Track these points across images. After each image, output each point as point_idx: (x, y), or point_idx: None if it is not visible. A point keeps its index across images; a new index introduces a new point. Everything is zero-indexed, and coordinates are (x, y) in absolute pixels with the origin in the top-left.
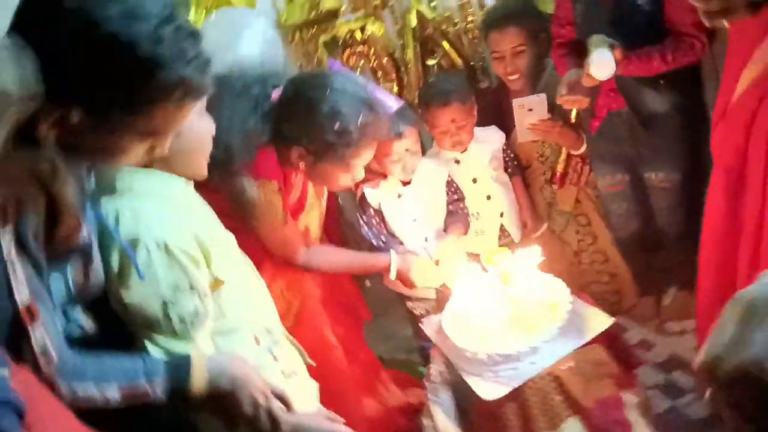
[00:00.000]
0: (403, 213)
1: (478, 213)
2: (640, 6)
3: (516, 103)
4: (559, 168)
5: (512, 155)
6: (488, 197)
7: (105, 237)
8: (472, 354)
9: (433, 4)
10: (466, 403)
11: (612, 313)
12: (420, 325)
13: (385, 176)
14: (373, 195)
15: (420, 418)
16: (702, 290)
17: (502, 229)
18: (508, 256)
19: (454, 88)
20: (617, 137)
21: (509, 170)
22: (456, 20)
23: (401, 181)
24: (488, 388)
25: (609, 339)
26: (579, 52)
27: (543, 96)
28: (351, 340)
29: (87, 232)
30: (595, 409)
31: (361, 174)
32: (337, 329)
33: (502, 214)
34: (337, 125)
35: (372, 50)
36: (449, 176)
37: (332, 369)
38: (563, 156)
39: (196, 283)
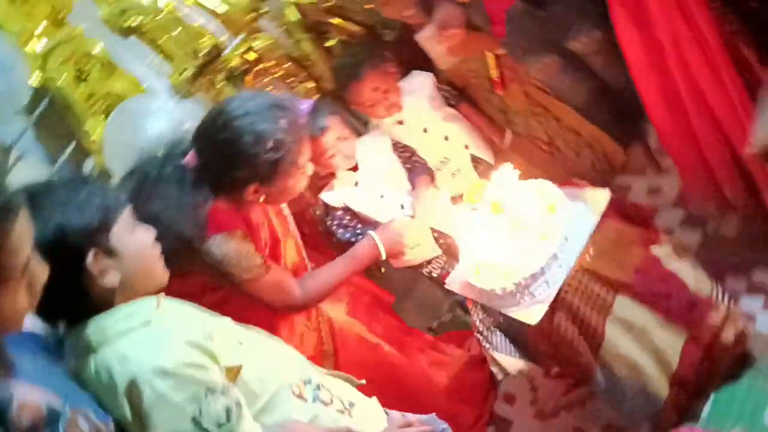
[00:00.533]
0: (368, 196)
1: (444, 157)
2: None
3: (420, 37)
4: (493, 73)
5: (447, 87)
6: (446, 138)
7: (108, 395)
8: (501, 290)
9: None
10: (518, 334)
11: (609, 178)
12: (446, 286)
13: (333, 175)
14: (333, 197)
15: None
16: (655, 120)
17: (474, 159)
18: (487, 186)
19: (359, 59)
20: (525, 28)
21: (451, 102)
22: None
23: (349, 169)
24: (531, 312)
25: (616, 207)
26: None
27: None
28: (391, 330)
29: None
30: (636, 278)
31: (310, 167)
32: (374, 327)
33: (466, 146)
34: (269, 144)
35: (271, 62)
36: (392, 139)
37: (388, 366)
38: (491, 61)
39: (213, 385)
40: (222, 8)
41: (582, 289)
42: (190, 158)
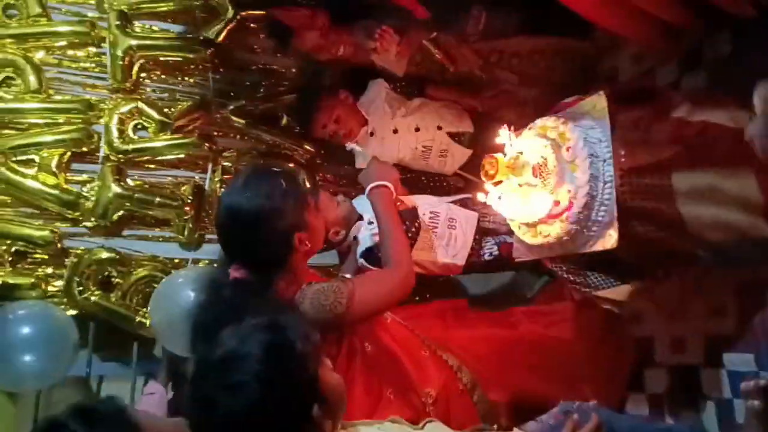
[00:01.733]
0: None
1: (423, 146)
2: None
3: (375, 59)
4: (438, 55)
5: (401, 84)
6: (417, 129)
7: None
8: (567, 234)
9: None
10: (608, 263)
11: (592, 73)
12: (514, 257)
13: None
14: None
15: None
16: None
17: (453, 135)
18: (496, 159)
19: (298, 112)
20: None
21: (412, 95)
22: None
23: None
24: (606, 238)
25: (617, 99)
26: None
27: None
28: (491, 320)
29: None
30: (677, 149)
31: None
32: (476, 327)
33: (439, 127)
34: (285, 207)
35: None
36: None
37: (514, 347)
38: (430, 47)
39: None
40: (179, 155)
41: (636, 188)
42: (235, 272)
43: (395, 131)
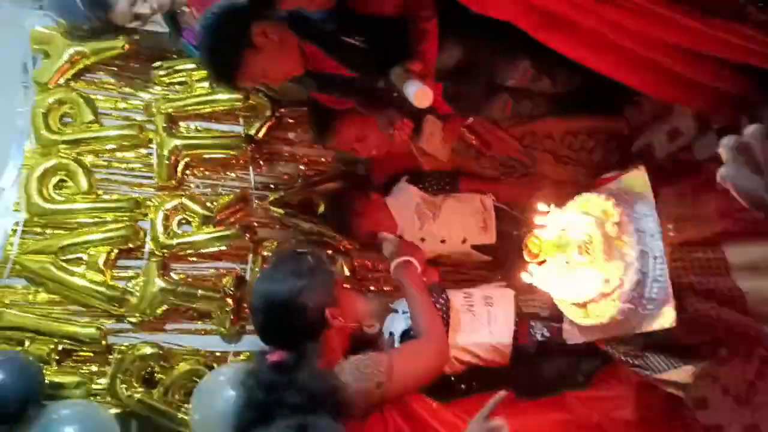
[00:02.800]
0: None
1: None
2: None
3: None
4: (474, 141)
5: (433, 180)
6: (442, 240)
7: None
8: (620, 314)
9: None
10: (667, 343)
11: (628, 152)
12: (565, 340)
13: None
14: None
15: None
16: (633, 84)
17: (477, 246)
18: (540, 239)
19: (338, 210)
20: (463, 96)
21: (442, 190)
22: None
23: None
24: (663, 316)
25: (657, 173)
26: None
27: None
28: (543, 408)
29: None
30: (726, 221)
31: None
32: (527, 419)
33: (464, 240)
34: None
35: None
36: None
37: None
38: (466, 133)
39: None
40: (221, 247)
41: (689, 264)
42: (272, 356)
43: (422, 240)
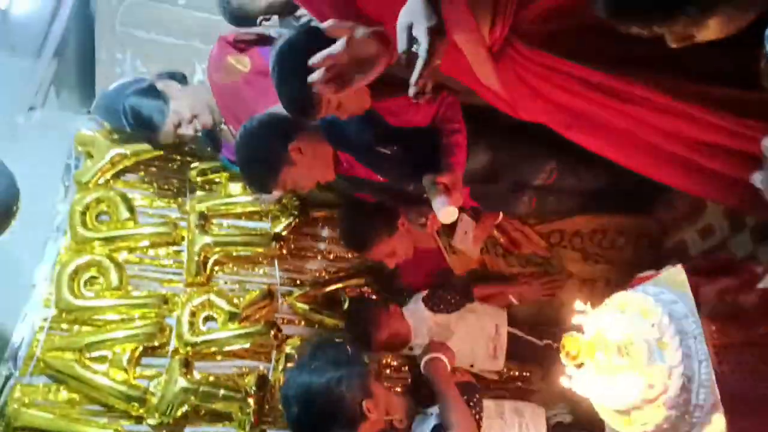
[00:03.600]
0: None
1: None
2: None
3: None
4: (502, 239)
5: (447, 296)
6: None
7: None
8: (666, 421)
9: None
10: None
11: (659, 251)
12: None
13: None
14: None
15: None
16: (666, 180)
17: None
18: (576, 339)
19: (360, 327)
20: (489, 196)
21: (459, 304)
22: None
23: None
24: (713, 425)
25: (695, 272)
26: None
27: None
28: None
29: None
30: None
31: None
32: None
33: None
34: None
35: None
36: None
37: None
38: (495, 231)
39: None
40: (244, 344)
41: (736, 367)
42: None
43: None
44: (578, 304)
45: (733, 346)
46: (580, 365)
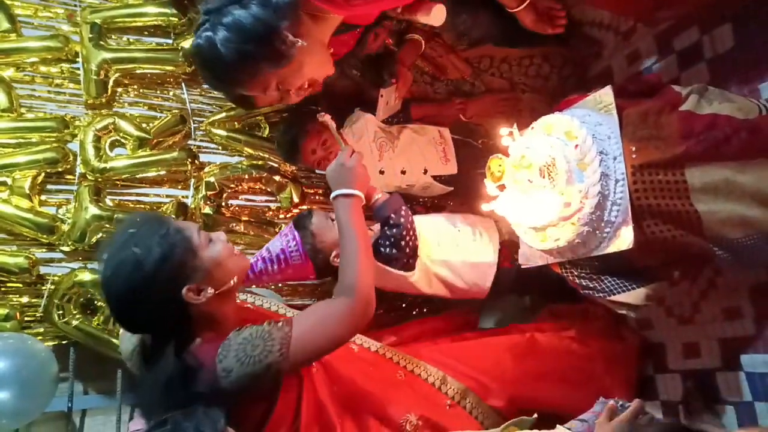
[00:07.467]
0: None
1: (407, 185)
2: None
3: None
4: (427, 68)
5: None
6: (402, 171)
7: None
8: (578, 237)
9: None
10: (623, 265)
11: (585, 75)
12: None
13: None
14: None
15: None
16: None
17: (437, 177)
18: (501, 160)
19: (291, 134)
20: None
21: (398, 122)
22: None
23: None
24: (621, 239)
25: (621, 95)
26: None
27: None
28: (461, 339)
29: None
30: (687, 143)
31: None
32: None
33: (425, 171)
34: None
35: (231, 186)
36: None
37: (529, 364)
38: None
39: None
40: (159, 171)
41: (649, 185)
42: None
43: (381, 172)
44: (503, 128)
45: (650, 166)
46: (502, 187)
